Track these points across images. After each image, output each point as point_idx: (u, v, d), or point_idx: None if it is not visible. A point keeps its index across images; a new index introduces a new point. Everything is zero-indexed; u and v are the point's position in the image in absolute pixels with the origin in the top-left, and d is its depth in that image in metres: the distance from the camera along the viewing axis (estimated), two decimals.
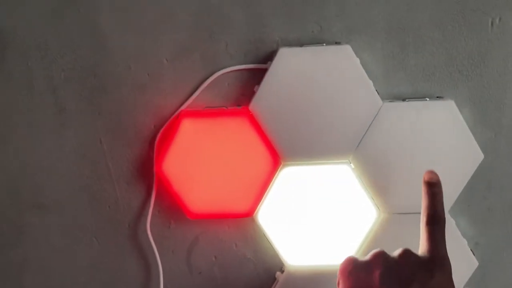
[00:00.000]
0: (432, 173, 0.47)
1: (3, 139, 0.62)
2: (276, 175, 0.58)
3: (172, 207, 0.62)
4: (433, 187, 0.47)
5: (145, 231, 0.62)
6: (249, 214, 0.60)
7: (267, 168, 0.58)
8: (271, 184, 0.59)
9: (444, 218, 0.47)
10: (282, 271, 0.62)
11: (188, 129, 0.59)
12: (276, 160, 0.58)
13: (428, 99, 0.57)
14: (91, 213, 0.63)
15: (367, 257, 0.46)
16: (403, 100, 0.57)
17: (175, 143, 0.59)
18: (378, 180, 0.57)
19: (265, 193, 0.59)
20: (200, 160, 0.59)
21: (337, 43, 0.57)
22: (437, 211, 0.47)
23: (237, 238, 0.63)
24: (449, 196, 0.57)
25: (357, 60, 0.55)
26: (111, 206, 0.63)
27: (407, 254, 0.45)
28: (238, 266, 0.64)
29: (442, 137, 0.56)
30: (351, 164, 0.57)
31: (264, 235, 0.60)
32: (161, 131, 0.60)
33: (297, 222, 0.60)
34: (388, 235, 0.59)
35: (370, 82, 0.56)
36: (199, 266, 0.64)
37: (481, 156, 0.56)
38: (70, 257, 0.64)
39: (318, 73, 0.56)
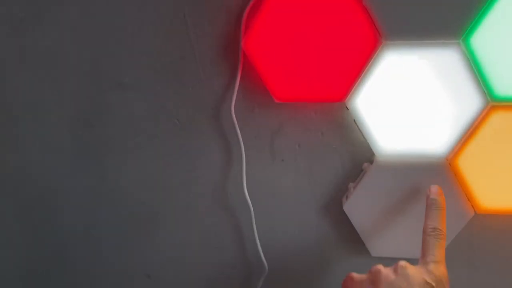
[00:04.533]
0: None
1: (84, 12, 0.59)
2: (374, 56, 0.53)
3: (258, 90, 0.58)
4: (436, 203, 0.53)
5: (229, 114, 0.59)
6: (341, 99, 0.55)
7: (365, 48, 0.53)
8: (367, 67, 0.54)
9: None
10: (371, 162, 0.59)
11: (278, 3, 0.53)
12: (376, 38, 0.52)
13: None
14: (173, 93, 0.61)
15: (366, 274, 0.51)
16: None
17: (264, 20, 0.53)
18: (492, 64, 0.51)
19: (360, 77, 0.54)
20: (290, 38, 0.54)
21: None
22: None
23: (323, 126, 0.60)
24: None
25: None
26: (194, 86, 0.60)
27: (403, 268, 0.49)
28: (323, 156, 0.61)
29: None
30: (462, 45, 0.51)
31: (355, 121, 0.56)
32: (249, 5, 0.55)
33: (393, 109, 0.55)
34: (493, 130, 0.54)
35: None
36: (282, 153, 0.62)
37: None
38: (151, 139, 0.63)
39: None
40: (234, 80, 0.58)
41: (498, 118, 0.53)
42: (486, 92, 0.52)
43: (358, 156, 0.60)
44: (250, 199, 0.62)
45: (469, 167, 0.56)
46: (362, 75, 0.54)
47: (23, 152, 0.66)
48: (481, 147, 0.54)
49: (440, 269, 0.49)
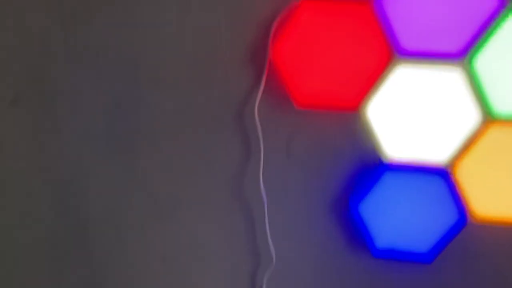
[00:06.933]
0: None
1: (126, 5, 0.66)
2: (386, 71, 0.59)
3: (280, 94, 0.65)
4: None
5: (252, 113, 0.66)
6: (355, 108, 0.62)
7: (380, 63, 0.60)
8: (380, 80, 0.60)
9: None
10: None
11: (306, 17, 0.60)
12: (390, 55, 0.59)
13: None
14: (202, 92, 0.67)
15: None
16: None
17: (291, 31, 0.60)
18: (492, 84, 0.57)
19: (373, 89, 0.60)
20: (315, 50, 0.61)
21: None
22: None
23: (337, 132, 0.66)
24: None
25: None
26: (222, 87, 0.67)
27: None
28: (335, 159, 0.67)
29: None
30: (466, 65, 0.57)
31: (367, 129, 0.62)
32: (279, 17, 0.62)
33: (400, 119, 0.61)
34: (490, 144, 0.60)
35: None
36: (298, 154, 0.68)
37: None
38: (179, 131, 0.69)
39: None
40: (259, 83, 0.65)
41: (495, 133, 0.59)
42: (485, 108, 0.58)
43: (368, 160, 0.66)
44: (265, 194, 0.68)
45: (468, 177, 0.61)
46: (375, 87, 0.60)
47: (61, 136, 0.73)
48: (480, 159, 0.60)
49: None
